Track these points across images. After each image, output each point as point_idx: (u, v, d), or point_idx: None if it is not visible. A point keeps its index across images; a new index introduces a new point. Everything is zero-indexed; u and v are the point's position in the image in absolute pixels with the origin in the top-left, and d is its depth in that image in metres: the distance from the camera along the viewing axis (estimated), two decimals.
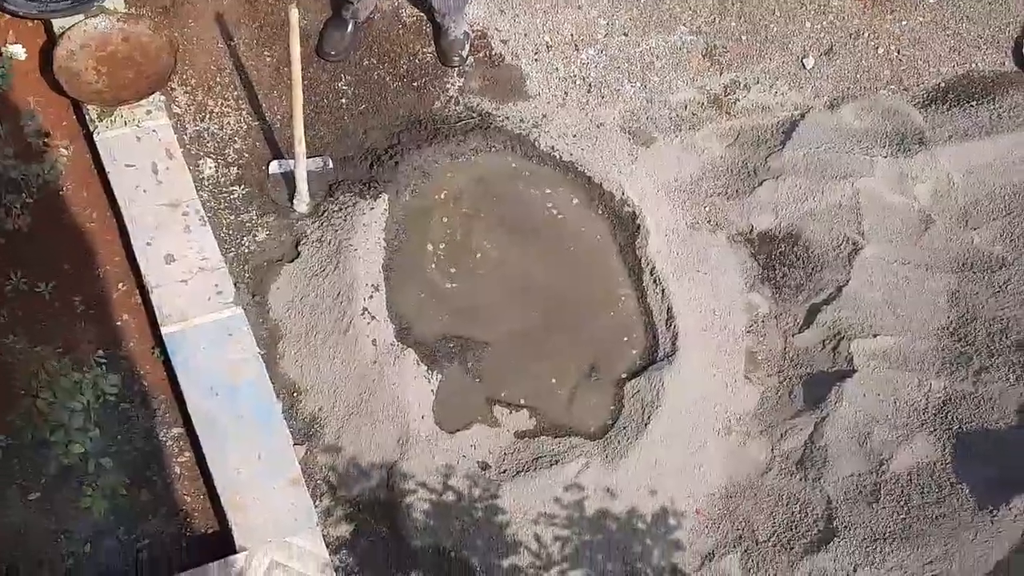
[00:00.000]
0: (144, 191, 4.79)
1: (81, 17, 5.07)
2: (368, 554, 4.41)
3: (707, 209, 5.23)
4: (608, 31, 5.62)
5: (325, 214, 4.98)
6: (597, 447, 4.64)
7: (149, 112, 4.96)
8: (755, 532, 4.54)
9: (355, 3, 5.24)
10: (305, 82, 5.14)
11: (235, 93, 5.22)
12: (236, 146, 5.10)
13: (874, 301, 4.97)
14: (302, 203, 4.97)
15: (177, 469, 4.44)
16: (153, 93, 4.98)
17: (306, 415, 4.60)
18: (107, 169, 4.82)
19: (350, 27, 5.34)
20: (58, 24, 5.07)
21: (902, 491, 4.57)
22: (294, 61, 4.54)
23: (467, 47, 5.45)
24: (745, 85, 5.56)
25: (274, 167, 5.06)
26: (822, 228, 5.15)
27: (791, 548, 4.50)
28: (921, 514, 4.51)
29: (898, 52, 5.69)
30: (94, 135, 4.88)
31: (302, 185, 4.91)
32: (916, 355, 4.86)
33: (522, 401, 4.77)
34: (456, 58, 5.44)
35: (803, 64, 5.63)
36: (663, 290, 4.97)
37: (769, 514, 4.58)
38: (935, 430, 4.68)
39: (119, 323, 4.63)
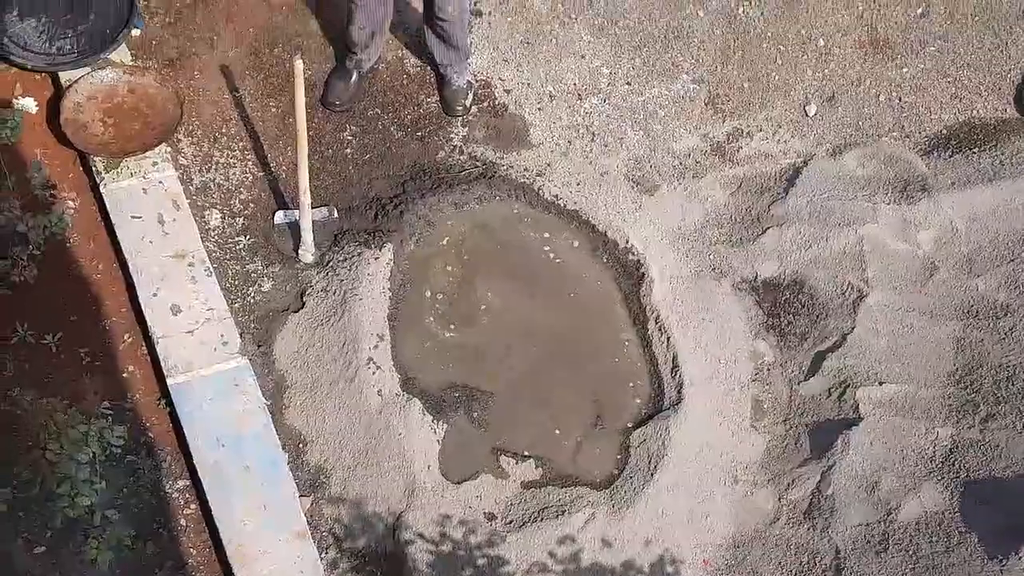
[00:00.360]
0: (150, 242, 4.80)
1: (88, 69, 5.10)
2: None
3: (711, 257, 5.24)
4: (611, 80, 5.65)
5: (330, 264, 4.99)
6: (604, 497, 4.63)
7: (155, 163, 4.99)
8: None
9: (359, 53, 5.28)
10: (310, 132, 5.16)
11: (241, 144, 5.24)
12: (242, 196, 5.12)
13: (879, 349, 4.97)
14: (307, 253, 4.98)
15: (183, 521, 4.42)
16: (159, 144, 5.01)
17: (312, 466, 4.60)
18: (113, 220, 4.84)
19: (354, 77, 5.37)
20: (65, 76, 5.11)
21: (911, 540, 4.55)
22: (299, 111, 4.55)
23: (470, 96, 5.48)
24: (748, 133, 5.58)
25: (279, 217, 5.07)
26: (826, 275, 5.16)
27: None
28: (930, 563, 4.49)
29: (900, 99, 5.72)
30: (100, 187, 4.90)
31: (307, 235, 4.93)
32: (922, 403, 4.86)
33: (528, 451, 4.76)
34: (459, 107, 5.47)
35: (805, 112, 5.66)
36: (668, 338, 4.97)
37: (777, 564, 4.56)
38: (943, 478, 4.67)
39: (125, 374, 4.63)
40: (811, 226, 5.25)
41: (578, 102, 5.58)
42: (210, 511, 4.34)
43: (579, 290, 5.14)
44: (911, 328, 5.04)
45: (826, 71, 5.76)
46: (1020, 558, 4.42)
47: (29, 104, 5.05)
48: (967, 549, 4.51)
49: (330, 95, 5.39)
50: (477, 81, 5.55)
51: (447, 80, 5.46)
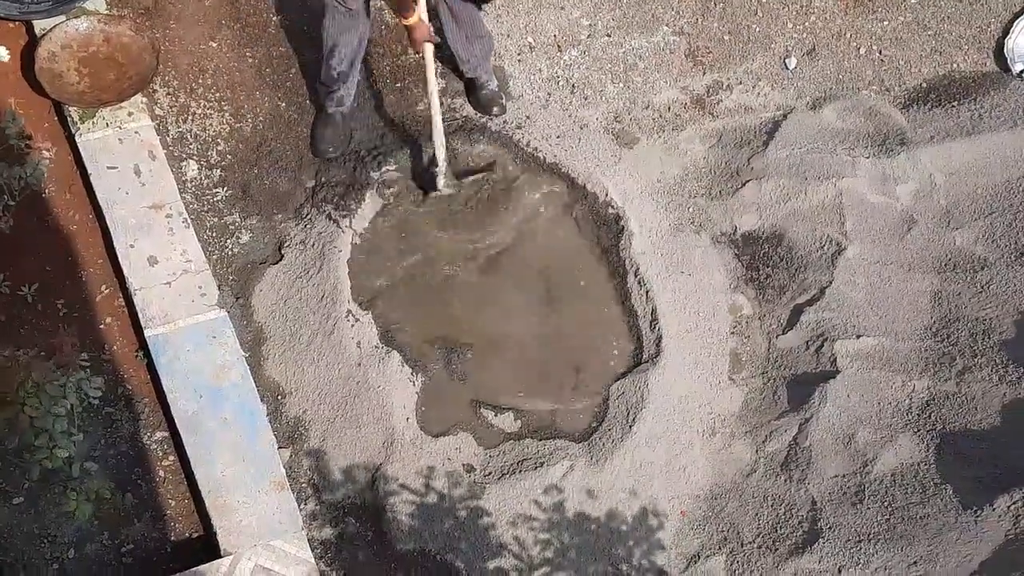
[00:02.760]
0: (127, 193, 4.77)
1: (63, 18, 5.03)
2: (353, 557, 4.41)
3: (691, 210, 5.23)
4: (591, 32, 5.61)
5: (308, 216, 4.96)
6: (582, 449, 4.65)
7: (131, 114, 4.95)
8: (740, 533, 4.56)
9: (340, 89, 5.09)
10: (288, 83, 5.16)
11: (218, 95, 5.19)
12: (219, 148, 5.08)
13: (857, 302, 4.99)
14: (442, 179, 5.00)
15: (161, 473, 4.43)
16: (135, 94, 4.96)
17: (291, 418, 4.60)
18: (89, 171, 4.80)
19: (339, 118, 5.18)
20: (39, 25, 5.04)
21: (886, 492, 4.58)
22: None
23: (504, 98, 5.36)
24: (728, 86, 5.57)
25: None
26: (805, 229, 5.16)
27: (776, 549, 4.51)
28: (905, 515, 4.53)
29: (880, 52, 5.70)
30: (76, 137, 4.86)
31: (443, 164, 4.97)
32: (899, 356, 4.88)
33: (507, 403, 4.77)
34: (497, 108, 5.34)
35: (785, 64, 5.64)
36: (647, 291, 4.98)
37: (754, 515, 4.59)
38: (919, 430, 4.70)
39: (102, 326, 4.62)
40: (790, 179, 5.24)
41: (558, 54, 5.54)
42: (188, 462, 4.35)
43: (559, 243, 5.13)
44: (889, 281, 5.06)
45: (807, 24, 5.74)
46: (994, 509, 4.46)
47: (0, 53, 4.99)
48: (942, 500, 4.55)
49: (321, 144, 5.18)
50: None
51: (479, 84, 5.30)
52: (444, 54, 5.31)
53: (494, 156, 5.20)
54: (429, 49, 4.77)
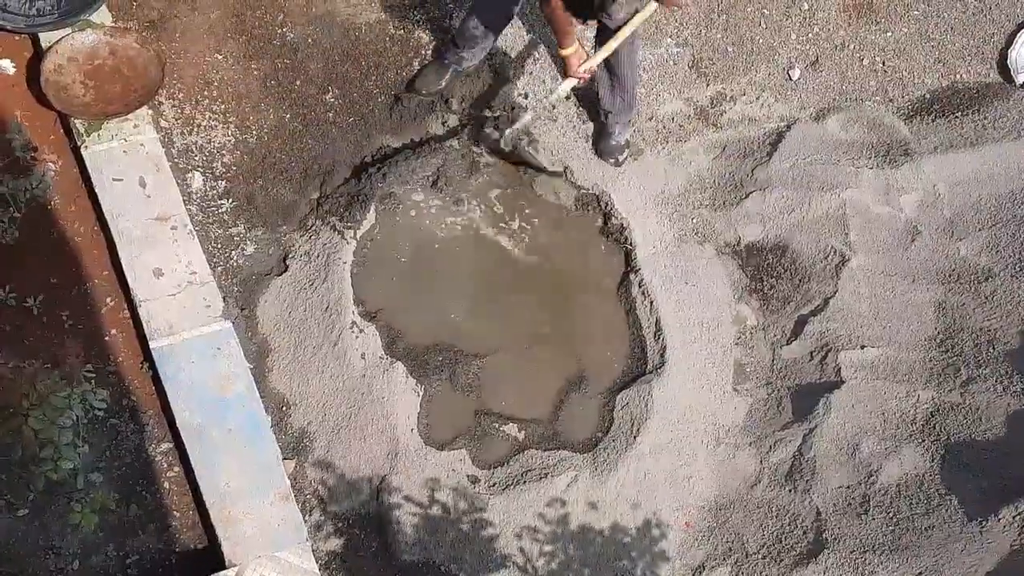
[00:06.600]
0: (132, 205, 4.77)
1: (68, 31, 5.04)
2: (358, 568, 4.42)
3: (695, 221, 5.24)
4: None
5: (313, 227, 4.97)
6: (586, 460, 4.65)
7: (136, 126, 4.95)
8: (745, 544, 4.56)
9: (463, 51, 5.15)
10: (293, 95, 5.16)
11: (222, 107, 5.20)
12: (224, 159, 5.09)
13: (861, 312, 4.99)
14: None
15: (166, 484, 4.43)
16: (141, 107, 4.97)
17: (295, 429, 4.60)
18: (94, 183, 4.80)
19: (450, 73, 5.28)
20: (45, 38, 5.05)
21: (891, 503, 4.58)
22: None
23: (625, 153, 5.37)
24: (732, 97, 5.57)
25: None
26: (809, 239, 5.17)
27: (781, 560, 4.51)
28: (910, 526, 4.53)
29: (883, 63, 5.71)
30: (82, 149, 4.86)
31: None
32: (904, 366, 4.88)
33: (511, 414, 4.77)
34: (612, 161, 5.34)
35: (789, 76, 5.65)
36: (651, 302, 4.98)
37: (759, 526, 4.59)
38: (923, 441, 4.70)
39: (107, 337, 4.62)
40: (794, 190, 5.25)
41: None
42: (193, 474, 4.34)
43: (564, 254, 5.14)
44: (893, 292, 5.06)
45: (810, 35, 5.75)
46: (999, 519, 4.46)
47: (6, 66, 5.01)
48: (947, 511, 4.55)
49: (419, 83, 5.31)
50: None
51: (608, 132, 5.31)
52: (585, 92, 5.40)
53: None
54: (570, 84, 4.94)
